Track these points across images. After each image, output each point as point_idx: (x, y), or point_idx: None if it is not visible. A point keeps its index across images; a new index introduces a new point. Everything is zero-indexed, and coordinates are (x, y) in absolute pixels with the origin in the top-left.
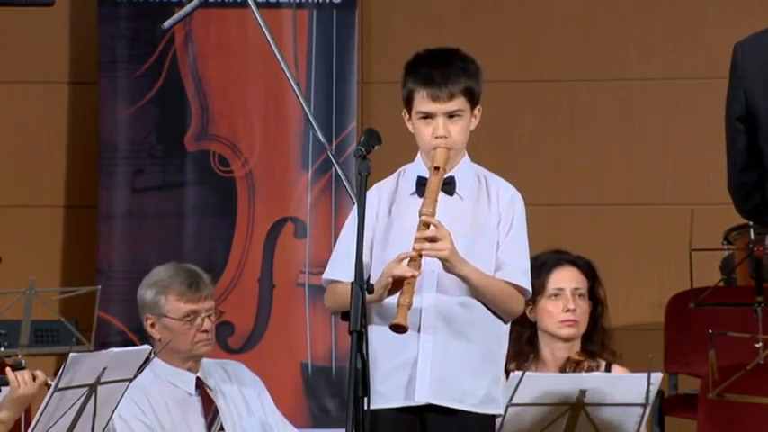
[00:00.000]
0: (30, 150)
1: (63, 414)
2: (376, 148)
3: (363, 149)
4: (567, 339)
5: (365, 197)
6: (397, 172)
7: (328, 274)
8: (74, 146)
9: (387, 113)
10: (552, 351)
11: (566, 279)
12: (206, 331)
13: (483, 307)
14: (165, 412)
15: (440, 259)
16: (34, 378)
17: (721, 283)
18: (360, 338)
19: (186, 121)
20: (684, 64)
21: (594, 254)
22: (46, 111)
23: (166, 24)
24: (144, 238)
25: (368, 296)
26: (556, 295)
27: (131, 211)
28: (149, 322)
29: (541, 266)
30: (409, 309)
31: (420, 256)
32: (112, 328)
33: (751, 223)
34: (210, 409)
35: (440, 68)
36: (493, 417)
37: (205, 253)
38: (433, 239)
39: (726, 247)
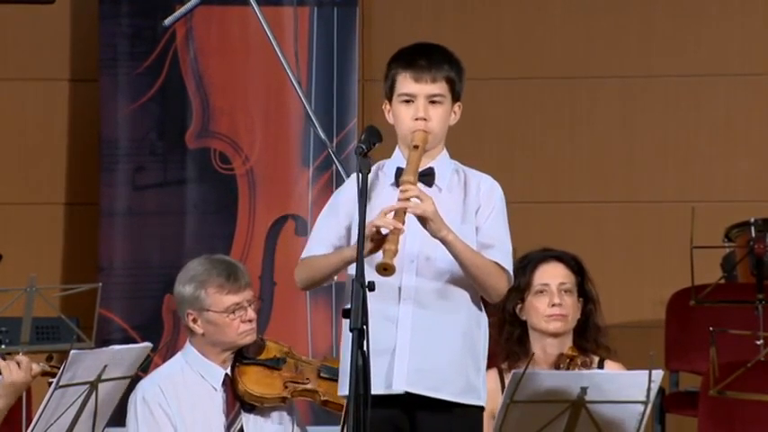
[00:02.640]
0: (31, 148)
1: (64, 411)
2: (377, 145)
3: (364, 147)
4: (555, 335)
5: (366, 195)
6: (376, 165)
7: (303, 254)
8: (75, 143)
9: None
10: (543, 348)
11: (551, 274)
12: (250, 320)
13: (463, 294)
14: (187, 403)
15: (423, 219)
16: (18, 365)
17: (722, 281)
18: (360, 336)
19: (187, 119)
20: (686, 61)
21: (595, 251)
22: (47, 108)
23: (167, 22)
24: (145, 235)
25: (347, 254)
26: (542, 291)
27: (132, 209)
28: (190, 318)
29: (527, 264)
30: (395, 255)
31: (404, 213)
32: (113, 325)
33: (752, 220)
34: (234, 408)
35: (425, 54)
36: (480, 409)
37: (206, 250)
38: (417, 201)
39: (727, 244)
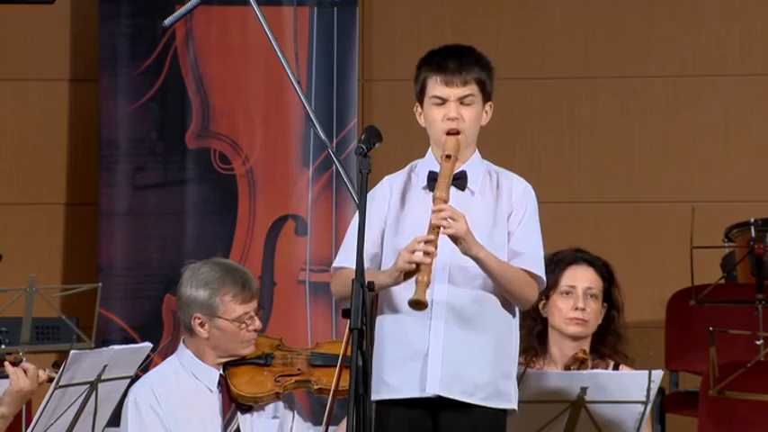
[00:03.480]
0: (30, 148)
1: (64, 411)
2: (377, 145)
3: (364, 147)
4: (574, 338)
5: (366, 194)
6: (408, 166)
7: (337, 262)
8: (74, 143)
9: (388, 111)
10: (561, 348)
11: (579, 277)
12: (255, 330)
13: (494, 301)
14: (181, 404)
15: (456, 238)
16: (25, 372)
17: (722, 281)
18: (360, 336)
19: (187, 119)
20: (685, 62)
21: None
22: (47, 108)
23: (167, 22)
24: (145, 235)
25: (382, 281)
26: (567, 293)
27: (132, 209)
28: (197, 321)
29: (558, 263)
30: (427, 287)
31: (437, 235)
32: (113, 325)
33: (752, 220)
34: (230, 409)
35: (455, 57)
36: (505, 413)
37: (206, 250)
38: (449, 221)
39: (727, 244)
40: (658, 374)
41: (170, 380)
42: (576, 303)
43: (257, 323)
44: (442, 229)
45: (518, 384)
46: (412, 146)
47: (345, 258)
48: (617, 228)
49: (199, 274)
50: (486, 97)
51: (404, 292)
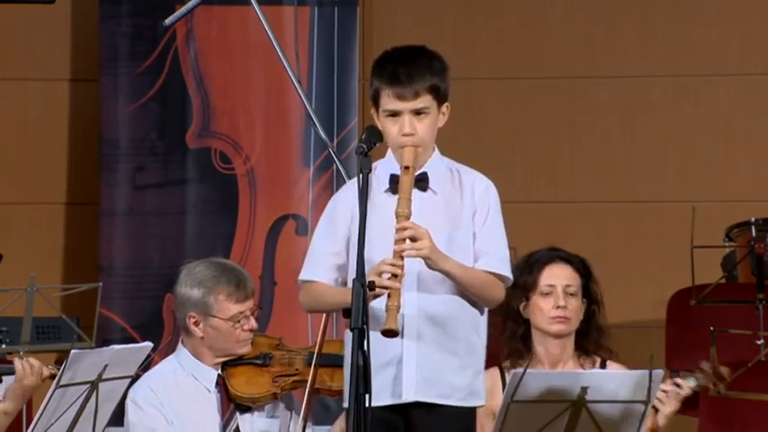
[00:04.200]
0: (31, 148)
1: (65, 411)
2: (377, 144)
3: (365, 146)
4: (558, 336)
5: (367, 194)
6: (376, 166)
7: (304, 274)
8: (75, 143)
9: None
10: (546, 348)
11: (557, 276)
12: (251, 330)
13: (463, 302)
14: (181, 403)
15: (422, 258)
16: (31, 368)
17: (723, 281)
18: (361, 335)
19: (187, 119)
20: (685, 61)
21: (596, 251)
22: (47, 108)
23: (168, 21)
24: (145, 235)
25: (347, 299)
26: (547, 293)
27: (133, 209)
28: (192, 320)
29: (534, 263)
30: (398, 312)
31: (402, 258)
32: (114, 325)
33: (752, 220)
34: (229, 409)
35: (405, 66)
36: (473, 409)
37: (206, 250)
38: (412, 239)
39: (727, 244)
40: (659, 374)
41: (169, 379)
42: (556, 302)
43: (252, 323)
44: (404, 253)
45: (518, 384)
46: None
47: (314, 271)
48: (617, 227)
49: (194, 274)
50: (442, 100)
51: (378, 304)
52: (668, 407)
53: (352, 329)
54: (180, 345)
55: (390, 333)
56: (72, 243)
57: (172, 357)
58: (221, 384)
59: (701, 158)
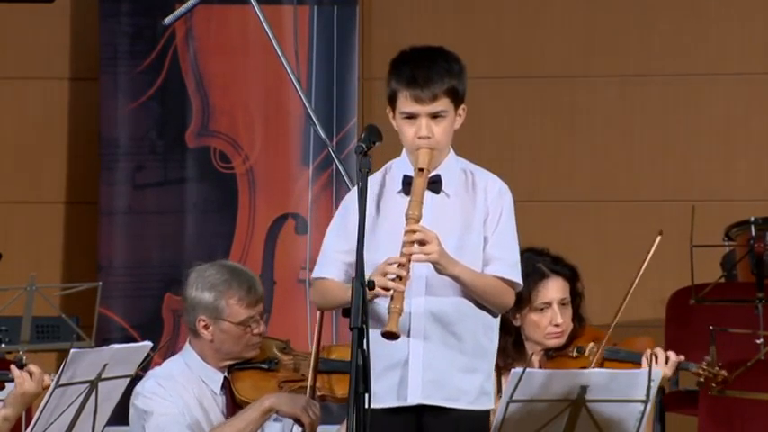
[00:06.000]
0: (30, 147)
1: (64, 410)
2: (377, 144)
3: (364, 146)
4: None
5: (366, 193)
6: (384, 167)
7: (317, 272)
8: (74, 142)
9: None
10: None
11: (552, 291)
12: (259, 334)
13: (472, 304)
14: (187, 403)
15: (430, 262)
16: (30, 375)
17: (722, 280)
18: (360, 335)
19: (187, 118)
20: (685, 60)
21: (595, 250)
22: (47, 107)
23: (167, 21)
24: (145, 234)
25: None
26: (542, 308)
27: (132, 208)
28: (202, 324)
29: (527, 277)
30: (400, 315)
31: (409, 260)
32: (113, 324)
33: (752, 219)
34: (234, 411)
35: (423, 69)
36: (487, 412)
37: (206, 249)
38: (421, 243)
39: (727, 243)
40: (658, 373)
41: (177, 378)
42: (554, 319)
43: (262, 327)
44: (413, 257)
45: (517, 384)
46: None
47: (325, 269)
48: (617, 227)
49: (205, 277)
50: (459, 102)
51: (383, 304)
52: (666, 368)
53: (351, 329)
54: (187, 346)
55: (391, 335)
56: (71, 242)
57: (178, 357)
58: (227, 387)
59: (701, 158)
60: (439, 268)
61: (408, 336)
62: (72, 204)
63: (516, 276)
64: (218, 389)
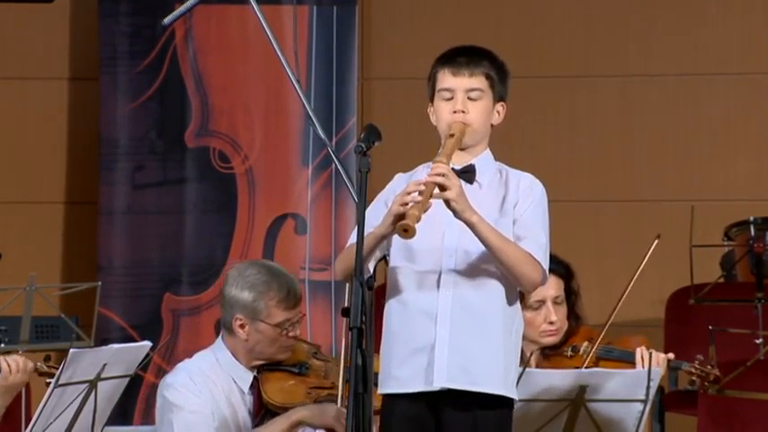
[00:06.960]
0: (30, 147)
1: (63, 410)
2: (376, 144)
3: (364, 146)
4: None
5: (365, 194)
6: (423, 165)
7: (351, 239)
8: (74, 142)
9: (387, 110)
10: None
11: (545, 289)
12: (294, 337)
13: (500, 290)
14: (216, 399)
15: (447, 201)
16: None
17: (721, 280)
18: (360, 335)
19: (186, 118)
20: (685, 60)
21: (595, 250)
22: (46, 107)
23: (167, 21)
24: (144, 234)
25: (378, 230)
26: (537, 307)
27: (132, 208)
28: (238, 322)
29: None
30: (417, 220)
31: (431, 189)
32: (113, 324)
33: (751, 219)
34: (261, 412)
35: (466, 50)
36: (510, 411)
37: (205, 249)
38: (441, 187)
39: (726, 243)
40: (657, 373)
41: (208, 373)
42: (548, 317)
43: (298, 330)
44: (435, 181)
45: (516, 383)
46: (411, 144)
47: (353, 237)
48: (617, 227)
49: (245, 276)
50: (497, 96)
51: (411, 288)
52: (657, 360)
53: (350, 329)
54: (219, 342)
55: (406, 230)
56: (71, 242)
57: (208, 353)
58: (256, 387)
59: (701, 158)
60: (455, 207)
61: (436, 319)
62: (71, 204)
63: (541, 256)
64: (246, 388)
